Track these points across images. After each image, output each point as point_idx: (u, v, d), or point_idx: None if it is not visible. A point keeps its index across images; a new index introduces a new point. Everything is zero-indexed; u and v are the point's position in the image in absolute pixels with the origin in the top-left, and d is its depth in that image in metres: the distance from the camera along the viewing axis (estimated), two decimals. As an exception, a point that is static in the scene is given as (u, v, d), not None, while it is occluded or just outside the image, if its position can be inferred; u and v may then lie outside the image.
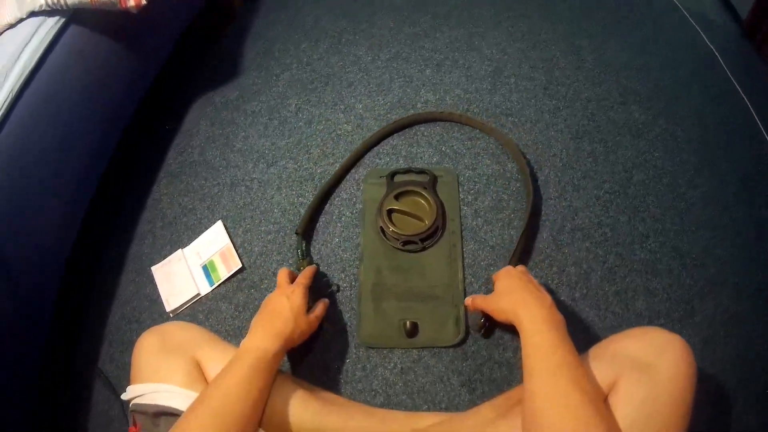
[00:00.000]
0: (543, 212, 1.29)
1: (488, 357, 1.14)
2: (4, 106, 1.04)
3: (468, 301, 1.13)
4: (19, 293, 1.14)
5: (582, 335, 1.14)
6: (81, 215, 1.31)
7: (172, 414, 0.89)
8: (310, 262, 1.24)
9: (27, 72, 1.08)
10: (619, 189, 1.32)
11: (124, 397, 0.93)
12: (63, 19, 1.15)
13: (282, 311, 1.02)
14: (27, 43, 1.10)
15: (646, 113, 1.43)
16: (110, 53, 1.28)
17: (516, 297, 0.97)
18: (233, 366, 0.91)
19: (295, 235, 1.30)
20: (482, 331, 1.16)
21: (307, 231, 1.32)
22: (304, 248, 1.27)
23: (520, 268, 1.09)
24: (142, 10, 1.19)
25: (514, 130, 1.41)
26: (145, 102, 1.48)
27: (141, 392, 0.92)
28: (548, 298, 0.95)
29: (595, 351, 0.94)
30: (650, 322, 1.14)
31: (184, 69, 1.66)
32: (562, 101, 1.46)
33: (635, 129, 1.41)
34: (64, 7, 1.13)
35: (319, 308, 1.13)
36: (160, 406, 0.89)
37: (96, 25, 1.22)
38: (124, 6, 1.16)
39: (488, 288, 1.22)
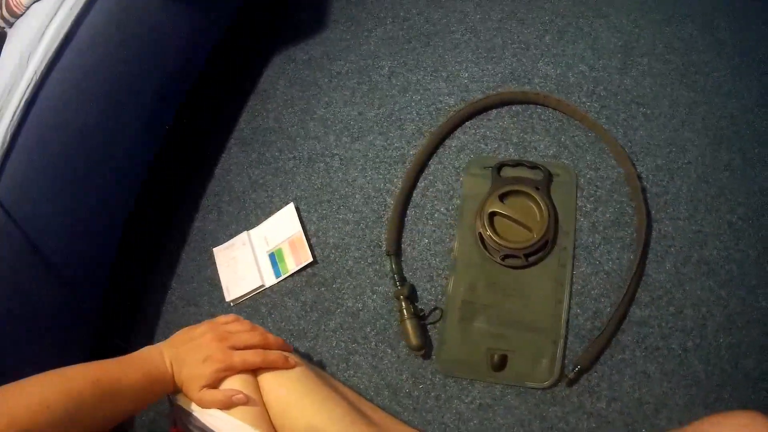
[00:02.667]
0: (671, 235, 1.00)
1: (578, 405, 0.93)
2: (33, 81, 0.87)
3: None
4: (73, 258, 1.00)
5: (683, 393, 0.91)
6: (141, 179, 1.13)
7: None
8: (410, 288, 0.99)
9: (60, 39, 0.90)
10: (753, 216, 1.01)
11: (170, 395, 0.76)
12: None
13: (201, 352, 0.77)
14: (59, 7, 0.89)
15: (787, 122, 1.11)
16: (160, 9, 1.05)
17: None
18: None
19: (386, 255, 1.04)
20: (569, 376, 0.94)
21: (398, 244, 1.06)
22: (398, 272, 1.02)
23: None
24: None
25: (646, 125, 1.09)
26: (216, 58, 1.23)
27: (192, 408, 0.75)
28: None
29: None
30: (755, 386, 0.93)
31: (264, 19, 1.37)
32: (700, 94, 1.12)
33: (775, 140, 1.09)
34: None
35: (219, 396, 0.75)
36: (206, 427, 0.73)
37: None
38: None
39: (595, 325, 0.96)
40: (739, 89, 1.14)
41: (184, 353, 0.76)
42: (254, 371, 0.79)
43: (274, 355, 0.82)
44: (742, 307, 0.98)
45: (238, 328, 0.83)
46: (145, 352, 0.76)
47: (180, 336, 0.80)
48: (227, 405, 0.73)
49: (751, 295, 0.98)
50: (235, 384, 0.75)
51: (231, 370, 0.77)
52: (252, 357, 0.79)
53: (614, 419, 0.92)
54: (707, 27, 1.20)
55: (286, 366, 0.82)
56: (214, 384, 0.76)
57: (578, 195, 1.04)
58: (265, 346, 0.82)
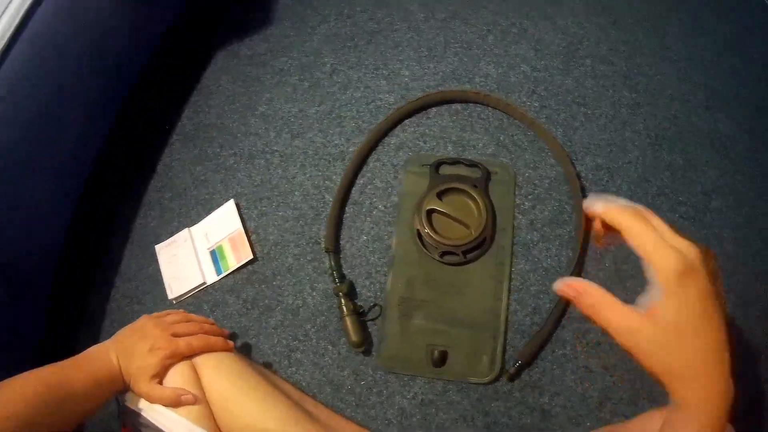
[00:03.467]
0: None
1: (520, 400, 0.92)
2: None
3: (567, 289, 0.50)
4: (17, 257, 0.96)
5: (627, 387, 0.91)
6: (83, 177, 1.10)
7: None
8: (349, 285, 0.98)
9: (12, 29, 0.84)
10: (695, 215, 1.03)
11: (119, 396, 0.74)
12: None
13: (146, 341, 0.77)
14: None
15: (731, 124, 1.10)
16: (103, 9, 1.02)
17: (695, 360, 0.47)
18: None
19: (325, 252, 1.02)
20: (510, 371, 0.94)
21: (337, 241, 1.04)
22: (337, 269, 1.00)
23: (710, 263, 0.49)
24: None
25: (586, 124, 1.09)
26: (161, 53, 1.20)
27: (139, 405, 0.73)
28: (729, 380, 0.48)
29: None
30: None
31: (209, 14, 1.32)
32: (642, 95, 1.12)
33: (719, 143, 1.09)
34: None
35: (168, 394, 0.74)
36: (155, 426, 0.72)
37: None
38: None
39: (535, 321, 0.96)
40: (684, 92, 1.15)
41: (130, 346, 0.75)
42: (197, 369, 0.77)
43: (215, 339, 0.83)
44: (684, 305, 0.98)
45: (176, 318, 0.82)
46: (92, 351, 0.73)
47: (123, 332, 0.78)
48: (175, 403, 0.71)
49: None
50: (179, 381, 0.74)
51: (177, 356, 0.76)
52: (196, 341, 0.80)
53: (558, 413, 0.92)
54: (655, 31, 1.21)
55: (227, 348, 0.83)
56: (163, 372, 0.76)
57: (516, 193, 1.04)
58: (203, 332, 0.81)
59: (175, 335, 0.78)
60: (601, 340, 0.94)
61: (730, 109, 1.12)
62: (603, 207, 0.52)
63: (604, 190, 1.04)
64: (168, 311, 0.85)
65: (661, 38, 1.19)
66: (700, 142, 1.09)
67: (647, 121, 1.10)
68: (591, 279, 0.95)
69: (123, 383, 0.73)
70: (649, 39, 1.19)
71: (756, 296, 0.98)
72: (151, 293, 1.07)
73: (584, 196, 1.02)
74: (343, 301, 0.96)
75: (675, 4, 1.24)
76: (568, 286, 0.51)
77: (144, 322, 0.79)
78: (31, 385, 0.64)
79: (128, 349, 0.74)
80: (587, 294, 0.50)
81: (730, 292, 0.98)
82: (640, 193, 1.04)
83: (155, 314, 0.83)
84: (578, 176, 1.03)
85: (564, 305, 0.96)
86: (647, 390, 0.92)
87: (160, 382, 0.74)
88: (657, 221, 0.51)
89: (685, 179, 1.06)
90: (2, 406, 0.61)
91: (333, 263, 0.99)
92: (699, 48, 1.18)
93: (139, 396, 0.73)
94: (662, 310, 0.47)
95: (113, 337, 0.77)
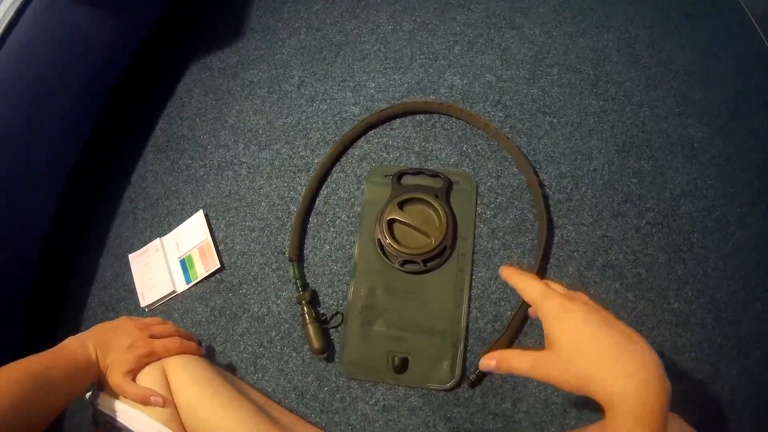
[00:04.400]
0: (573, 241, 1.00)
1: (482, 406, 0.92)
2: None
3: (488, 362, 0.61)
4: None
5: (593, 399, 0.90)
6: (60, 188, 1.12)
7: None
8: (312, 293, 0.99)
9: None
10: (663, 221, 1.01)
11: (92, 399, 0.76)
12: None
13: (123, 336, 0.80)
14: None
15: (702, 129, 1.08)
16: (85, 19, 1.05)
17: (598, 357, 0.54)
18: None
19: (289, 261, 1.02)
20: (471, 378, 0.94)
21: (301, 250, 1.05)
22: (301, 277, 1.01)
23: (582, 297, 0.61)
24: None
25: (551, 133, 1.08)
26: (135, 65, 1.22)
27: (112, 407, 0.76)
28: (651, 353, 0.54)
29: None
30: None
31: (182, 28, 1.33)
32: (610, 102, 1.11)
33: (689, 147, 1.07)
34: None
35: (139, 392, 0.76)
36: (127, 428, 0.74)
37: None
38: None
39: (496, 328, 0.96)
40: (653, 99, 1.14)
41: (109, 340, 0.78)
42: (167, 374, 0.80)
43: (188, 342, 0.88)
44: (652, 309, 0.97)
45: (154, 321, 0.87)
46: (69, 342, 0.76)
47: (101, 327, 0.81)
48: (144, 401, 0.74)
49: (660, 298, 0.98)
50: (150, 384, 0.76)
51: (153, 356, 0.81)
52: (171, 344, 0.84)
53: (521, 419, 0.91)
54: (623, 39, 1.19)
55: (199, 353, 0.88)
56: (137, 369, 0.78)
57: (478, 202, 1.03)
58: (179, 336, 0.86)
59: (153, 337, 0.82)
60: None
61: (702, 114, 1.10)
62: (503, 271, 0.67)
63: (568, 198, 1.03)
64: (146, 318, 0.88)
65: (631, 45, 1.17)
66: (669, 148, 1.07)
67: (615, 128, 1.09)
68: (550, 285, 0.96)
69: (98, 373, 0.76)
70: (618, 46, 1.17)
71: (727, 300, 0.96)
72: (124, 301, 1.08)
73: (547, 204, 1.01)
74: (305, 308, 0.97)
75: (645, 10, 1.22)
76: (487, 359, 0.62)
77: (123, 321, 0.83)
78: (13, 375, 0.67)
79: (107, 343, 0.78)
80: (504, 360, 0.61)
81: (699, 296, 0.97)
82: (605, 200, 1.03)
83: (135, 317, 0.86)
84: (541, 184, 1.02)
85: (525, 310, 0.95)
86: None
87: (134, 380, 0.77)
88: (553, 284, 0.63)
89: (654, 185, 1.04)
90: None
91: (297, 272, 1.00)
92: (669, 54, 1.16)
93: (112, 387, 0.76)
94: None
95: (91, 330, 0.80)
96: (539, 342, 0.94)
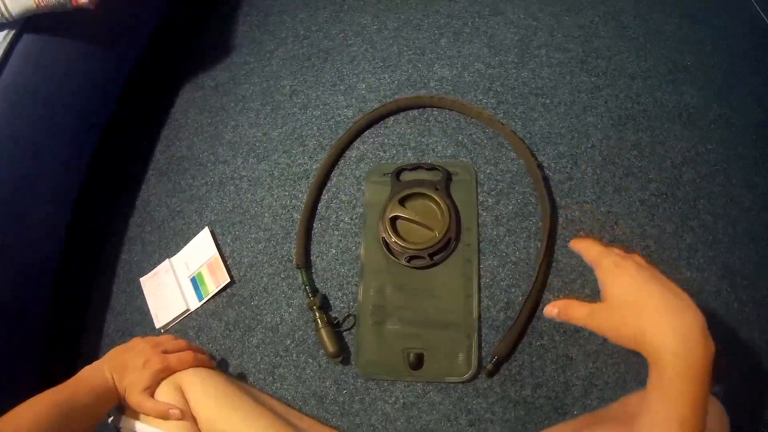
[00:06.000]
0: (578, 220, 0.98)
1: (502, 395, 0.90)
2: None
3: (552, 309, 0.66)
4: (9, 303, 0.98)
5: (611, 371, 0.88)
6: (65, 221, 1.12)
7: None
8: (322, 298, 0.98)
9: None
10: (667, 190, 0.99)
11: (114, 424, 0.77)
12: (13, 31, 0.94)
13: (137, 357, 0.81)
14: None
15: (697, 95, 1.06)
16: (73, 55, 1.06)
17: (648, 311, 0.56)
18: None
19: (297, 269, 1.02)
20: (487, 368, 0.91)
21: (307, 256, 1.04)
22: (310, 283, 1.00)
23: (635, 257, 0.65)
24: (99, 3, 0.94)
25: (545, 114, 1.06)
26: (128, 94, 1.22)
27: (133, 429, 0.76)
28: (698, 312, 0.55)
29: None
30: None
31: (172, 51, 1.34)
32: (602, 78, 1.09)
33: (686, 114, 1.04)
34: (11, 19, 0.91)
35: (159, 407, 0.76)
36: None
37: (52, 29, 1.00)
38: (75, 4, 0.91)
39: (509, 315, 0.94)
40: (645, 69, 1.11)
41: (124, 362, 0.79)
42: (183, 390, 0.80)
43: (201, 355, 0.88)
44: (664, 281, 0.95)
45: (166, 338, 0.88)
46: (87, 370, 0.77)
47: (115, 351, 0.82)
48: (164, 416, 0.74)
49: (672, 268, 0.95)
50: (166, 399, 0.77)
51: (168, 371, 0.81)
52: (185, 356, 0.84)
53: (542, 404, 0.89)
54: (609, 13, 1.17)
55: (211, 365, 0.89)
56: (154, 385, 0.79)
57: (479, 191, 1.02)
58: (191, 349, 0.87)
59: (166, 352, 0.82)
60: (578, 327, 0.91)
61: (696, 79, 1.08)
62: (571, 243, 0.72)
63: (569, 177, 1.01)
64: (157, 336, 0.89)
65: (617, 18, 1.15)
66: (666, 117, 1.05)
67: (609, 103, 1.07)
68: (562, 267, 0.95)
69: (117, 397, 0.77)
70: (604, 21, 1.15)
71: (740, 265, 0.93)
72: (140, 325, 1.09)
73: (547, 185, 1.00)
74: (317, 314, 0.96)
75: (629, -19, 1.20)
76: (551, 306, 0.67)
77: (136, 342, 0.84)
78: (39, 406, 0.68)
79: (122, 365, 0.78)
80: (567, 309, 0.65)
81: (711, 263, 0.94)
82: (606, 176, 1.01)
83: (146, 337, 0.86)
84: (540, 167, 1.01)
85: (537, 295, 0.93)
86: (634, 372, 0.88)
87: (152, 395, 0.77)
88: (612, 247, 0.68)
89: (654, 156, 1.02)
90: (15, 430, 0.65)
91: (305, 278, 0.99)
92: (657, 22, 1.14)
93: (131, 406, 0.76)
94: (609, 291, 0.61)
95: (106, 356, 0.81)
96: (554, 323, 0.92)
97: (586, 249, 0.68)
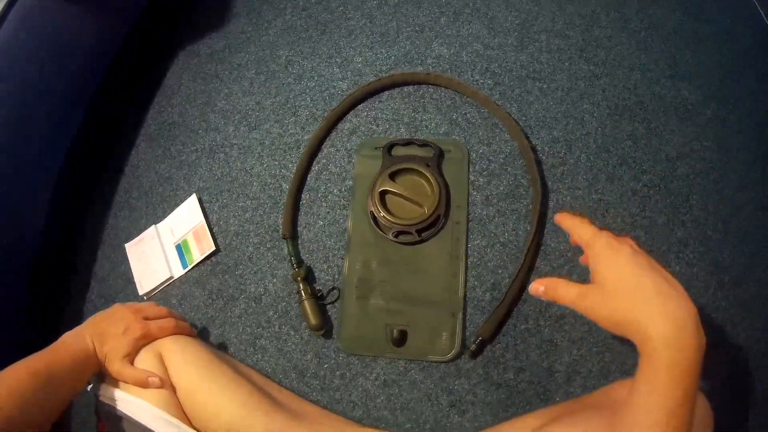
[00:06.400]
0: (569, 205, 0.97)
1: (484, 377, 0.89)
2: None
3: (537, 286, 0.63)
4: None
5: (596, 359, 0.88)
6: (52, 184, 1.09)
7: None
8: (307, 270, 0.97)
9: None
10: (660, 182, 0.98)
11: (94, 391, 0.75)
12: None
13: (120, 323, 0.79)
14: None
15: (696, 92, 1.05)
16: (66, 18, 1.04)
17: (642, 297, 0.54)
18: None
19: (283, 239, 1.01)
20: (471, 348, 0.91)
21: (294, 227, 1.02)
22: (295, 254, 0.99)
23: (629, 240, 0.61)
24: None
25: (541, 99, 1.05)
26: (123, 56, 1.20)
27: (113, 396, 0.74)
28: (691, 302, 0.53)
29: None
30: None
31: (168, 16, 1.30)
32: (600, 67, 1.08)
33: (683, 110, 1.04)
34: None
35: (138, 374, 0.75)
36: (128, 417, 0.73)
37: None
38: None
39: (495, 296, 0.93)
40: (644, 62, 1.10)
41: (104, 328, 0.77)
42: (164, 359, 0.79)
43: (182, 323, 0.88)
44: (653, 272, 0.95)
45: (147, 305, 0.86)
46: (67, 337, 0.75)
47: (96, 317, 0.80)
48: (143, 384, 0.73)
49: (661, 260, 0.92)
50: (146, 367, 0.75)
51: (149, 337, 0.80)
52: (166, 324, 0.84)
53: (524, 389, 0.88)
54: (612, 4, 1.16)
55: (192, 333, 0.88)
56: (134, 351, 0.78)
57: (470, 170, 1.01)
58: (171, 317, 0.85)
59: (147, 319, 0.81)
60: (564, 313, 0.90)
61: (695, 76, 1.07)
62: (557, 217, 0.70)
63: (562, 162, 1.00)
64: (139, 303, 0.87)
65: (619, 9, 1.14)
66: (663, 111, 1.04)
67: (606, 92, 1.06)
68: (550, 251, 0.94)
69: (97, 364, 0.74)
70: (606, 11, 1.14)
71: (729, 262, 0.93)
72: (123, 291, 1.07)
73: (540, 169, 0.99)
74: (301, 285, 0.95)
75: (633, -27, 1.20)
76: (537, 283, 0.64)
77: (117, 308, 0.82)
78: (16, 375, 0.65)
79: (102, 331, 0.76)
80: (555, 288, 0.62)
81: (701, 258, 0.93)
82: (600, 163, 1.00)
83: (128, 303, 0.85)
84: (533, 149, 1.00)
85: (524, 278, 0.92)
86: (618, 362, 0.88)
87: (132, 363, 0.75)
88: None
89: (649, 147, 1.01)
90: None
91: (291, 249, 0.98)
92: (659, 17, 1.13)
93: (111, 373, 0.74)
94: (602, 274, 0.58)
95: (87, 322, 0.78)
96: (540, 308, 0.91)
97: (577, 227, 0.64)
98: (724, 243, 0.95)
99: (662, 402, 0.50)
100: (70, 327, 1.03)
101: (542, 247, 0.96)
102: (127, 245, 1.09)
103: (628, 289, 0.55)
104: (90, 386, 0.76)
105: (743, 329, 0.91)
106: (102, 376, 0.76)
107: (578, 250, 0.90)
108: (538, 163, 1.00)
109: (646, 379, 0.51)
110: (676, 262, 0.94)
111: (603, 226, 0.62)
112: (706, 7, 1.15)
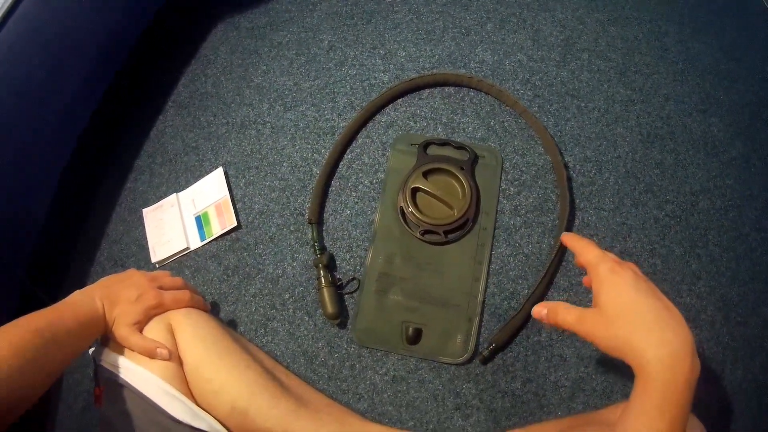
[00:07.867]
0: (594, 224, 0.98)
1: (492, 383, 0.90)
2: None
3: (540, 309, 0.65)
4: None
5: (601, 379, 0.89)
6: (74, 140, 1.08)
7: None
8: (329, 257, 0.96)
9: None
10: (682, 214, 1.00)
11: (95, 355, 0.72)
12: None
13: (132, 288, 0.77)
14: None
15: (725, 130, 1.07)
16: None
17: (641, 323, 0.55)
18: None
19: (308, 224, 0.99)
20: (483, 354, 0.91)
21: (321, 213, 1.02)
22: (319, 240, 0.98)
23: (632, 266, 0.63)
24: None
25: (578, 117, 1.06)
26: (162, 21, 1.19)
27: (116, 363, 0.72)
28: (688, 330, 0.55)
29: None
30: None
31: None
32: (637, 93, 1.09)
33: (711, 145, 1.05)
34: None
35: (146, 344, 0.73)
36: (130, 385, 0.71)
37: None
38: None
39: (512, 305, 0.94)
40: (679, 93, 1.12)
41: (117, 292, 0.74)
42: (174, 332, 0.77)
43: (197, 297, 0.85)
44: (664, 302, 0.96)
45: (163, 273, 0.83)
46: (76, 296, 0.72)
47: (108, 279, 0.78)
48: (151, 354, 0.71)
49: (673, 290, 0.96)
50: (154, 337, 0.73)
51: (161, 308, 0.78)
52: (181, 296, 0.81)
53: (529, 400, 0.89)
54: (653, 32, 1.18)
55: (207, 308, 0.86)
56: (145, 320, 0.76)
57: (502, 178, 1.01)
58: (186, 289, 0.83)
59: (161, 288, 0.78)
60: (576, 330, 0.92)
61: (725, 114, 1.09)
62: (564, 237, 0.71)
63: (591, 182, 1.01)
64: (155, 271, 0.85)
65: (660, 39, 1.15)
66: (692, 144, 1.06)
67: (640, 118, 1.07)
68: (571, 267, 0.95)
69: (105, 327, 0.72)
70: (647, 38, 1.15)
71: (737, 300, 0.95)
72: (135, 257, 1.05)
73: (570, 186, 0.99)
74: (321, 272, 0.94)
75: (675, 6, 1.20)
76: (540, 306, 0.65)
77: (132, 273, 0.79)
78: (19, 332, 0.63)
79: (114, 295, 0.74)
80: (557, 314, 0.63)
81: (711, 293, 0.95)
82: (627, 188, 1.01)
83: (143, 270, 0.82)
84: (566, 166, 1.00)
85: (543, 290, 0.93)
86: (621, 383, 0.89)
87: (141, 331, 0.73)
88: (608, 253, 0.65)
89: (674, 178, 1.03)
90: None
91: (315, 235, 0.97)
92: (697, 52, 1.15)
93: (117, 339, 0.72)
94: (603, 298, 0.59)
95: (98, 283, 0.76)
96: (553, 329, 0.92)
97: (583, 249, 0.65)
98: (734, 281, 0.97)
99: (651, 424, 0.51)
100: (74, 285, 1.02)
101: (564, 263, 0.96)
102: (144, 210, 1.07)
103: (628, 315, 0.56)
104: (92, 349, 0.74)
105: (743, 366, 0.93)
106: (105, 340, 0.74)
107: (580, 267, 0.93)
108: (569, 180, 1.00)
109: (639, 400, 0.52)
110: (687, 293, 0.95)
111: (620, 255, 0.65)
112: (742, 47, 1.17)
